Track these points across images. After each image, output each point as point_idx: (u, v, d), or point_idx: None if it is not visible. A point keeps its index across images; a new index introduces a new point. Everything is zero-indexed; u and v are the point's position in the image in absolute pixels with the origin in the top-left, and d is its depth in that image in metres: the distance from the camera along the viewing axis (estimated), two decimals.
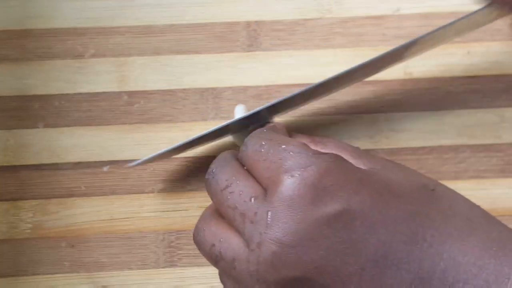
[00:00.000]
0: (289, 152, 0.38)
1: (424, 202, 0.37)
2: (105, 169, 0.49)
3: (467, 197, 0.47)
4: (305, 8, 0.54)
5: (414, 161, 0.49)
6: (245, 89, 0.52)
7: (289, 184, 0.36)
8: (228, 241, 0.38)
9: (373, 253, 0.35)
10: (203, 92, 0.51)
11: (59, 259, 0.47)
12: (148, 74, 0.52)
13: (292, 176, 0.36)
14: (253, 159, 0.39)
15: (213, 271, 0.46)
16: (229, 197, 0.39)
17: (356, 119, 0.50)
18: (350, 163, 0.39)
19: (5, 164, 0.49)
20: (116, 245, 0.47)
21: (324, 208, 0.35)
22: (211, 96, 0.51)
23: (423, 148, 0.49)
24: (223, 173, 0.40)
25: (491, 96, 0.50)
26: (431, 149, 0.49)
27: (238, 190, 0.38)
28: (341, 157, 0.39)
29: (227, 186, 0.39)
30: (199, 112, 0.51)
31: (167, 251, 0.47)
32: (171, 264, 0.47)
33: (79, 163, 0.50)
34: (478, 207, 0.39)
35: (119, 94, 0.52)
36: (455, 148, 0.49)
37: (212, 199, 0.41)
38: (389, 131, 0.50)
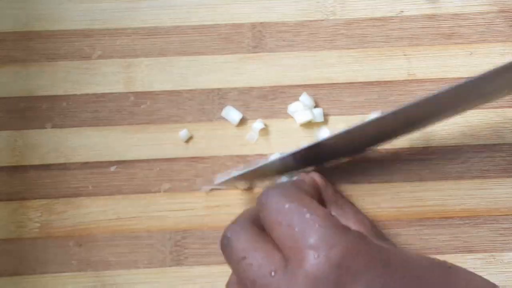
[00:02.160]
0: (315, 224, 0.36)
1: (444, 281, 0.37)
2: (112, 169, 0.50)
3: (470, 196, 0.48)
4: (309, 9, 0.54)
5: (418, 161, 0.49)
6: (250, 90, 0.52)
7: (314, 263, 0.35)
8: None
9: None
10: (208, 93, 0.52)
11: (66, 258, 0.47)
12: (154, 75, 0.53)
13: (317, 254, 0.35)
14: (275, 221, 0.38)
15: (219, 270, 0.47)
16: (246, 269, 0.37)
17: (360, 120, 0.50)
18: (373, 242, 0.38)
19: (13, 164, 0.50)
20: (123, 244, 0.48)
21: None
22: (217, 97, 0.52)
23: (426, 148, 0.50)
24: (239, 242, 0.38)
25: None
26: (434, 149, 0.50)
27: (257, 262, 0.37)
28: (365, 236, 0.38)
29: (244, 257, 0.37)
30: (205, 112, 0.51)
31: (173, 250, 0.47)
32: (178, 263, 0.47)
33: (86, 163, 0.50)
34: (490, 282, 0.39)
35: (125, 95, 0.52)
36: (458, 148, 0.50)
37: (229, 265, 0.40)
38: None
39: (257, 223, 0.40)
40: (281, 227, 0.37)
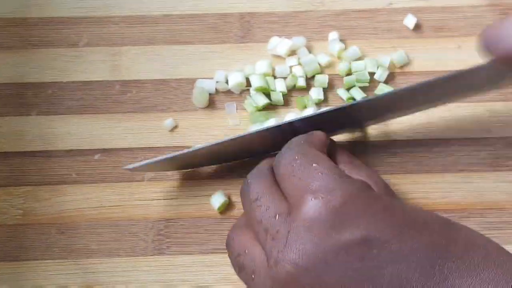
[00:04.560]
0: (318, 173, 0.38)
1: (444, 234, 0.37)
2: (96, 157, 0.50)
3: (455, 190, 0.48)
4: (298, 0, 0.54)
5: (404, 153, 0.49)
6: None
7: (311, 206, 0.36)
8: (251, 253, 0.39)
9: (388, 282, 0.35)
10: (195, 82, 0.52)
11: (49, 246, 0.47)
12: (141, 63, 0.53)
13: (315, 198, 0.36)
14: (284, 173, 0.40)
15: (200, 260, 0.46)
16: (256, 210, 0.39)
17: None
18: (375, 192, 0.39)
19: None
20: (106, 233, 0.47)
21: (344, 234, 0.35)
22: None
23: (412, 140, 0.49)
24: (256, 185, 0.41)
25: None
26: (420, 142, 0.49)
27: (266, 204, 0.39)
28: (368, 185, 0.38)
29: (256, 199, 0.40)
30: (191, 102, 0.51)
31: (156, 239, 0.47)
32: (160, 252, 0.47)
33: (71, 150, 0.50)
34: (492, 241, 0.38)
35: (112, 83, 0.52)
36: (445, 142, 0.49)
37: (243, 208, 0.41)
38: (379, 123, 0.50)
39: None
40: (289, 178, 0.39)
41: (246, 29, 0.53)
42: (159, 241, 0.47)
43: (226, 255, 0.46)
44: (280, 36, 0.53)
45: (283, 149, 0.41)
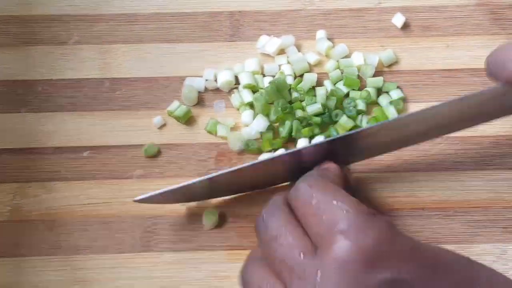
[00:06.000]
0: (343, 211, 0.37)
1: (468, 274, 0.37)
2: (85, 154, 0.50)
3: (441, 188, 0.48)
4: None
5: (391, 152, 0.49)
6: None
7: (343, 246, 0.36)
8: None
9: None
10: (184, 81, 0.52)
11: (37, 242, 0.47)
12: (131, 61, 0.53)
13: (347, 238, 0.36)
14: (303, 210, 0.39)
15: (188, 257, 0.47)
16: (277, 248, 0.38)
17: None
18: (398, 230, 0.38)
19: None
20: (94, 229, 0.48)
21: (375, 275, 0.35)
22: None
23: None
24: (273, 222, 0.40)
25: (469, 89, 0.51)
26: None
27: (287, 243, 0.38)
28: (394, 224, 0.38)
29: (276, 237, 0.39)
30: (181, 100, 0.51)
31: (143, 236, 0.47)
32: (147, 248, 0.47)
33: (60, 147, 0.50)
34: (506, 277, 0.39)
35: (101, 81, 0.52)
36: (432, 140, 0.50)
37: (260, 245, 0.40)
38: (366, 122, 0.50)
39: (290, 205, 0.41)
40: (310, 216, 0.38)
41: (235, 28, 0.54)
42: (147, 238, 0.47)
43: (213, 252, 0.47)
44: (269, 34, 0.53)
45: (298, 184, 0.40)
